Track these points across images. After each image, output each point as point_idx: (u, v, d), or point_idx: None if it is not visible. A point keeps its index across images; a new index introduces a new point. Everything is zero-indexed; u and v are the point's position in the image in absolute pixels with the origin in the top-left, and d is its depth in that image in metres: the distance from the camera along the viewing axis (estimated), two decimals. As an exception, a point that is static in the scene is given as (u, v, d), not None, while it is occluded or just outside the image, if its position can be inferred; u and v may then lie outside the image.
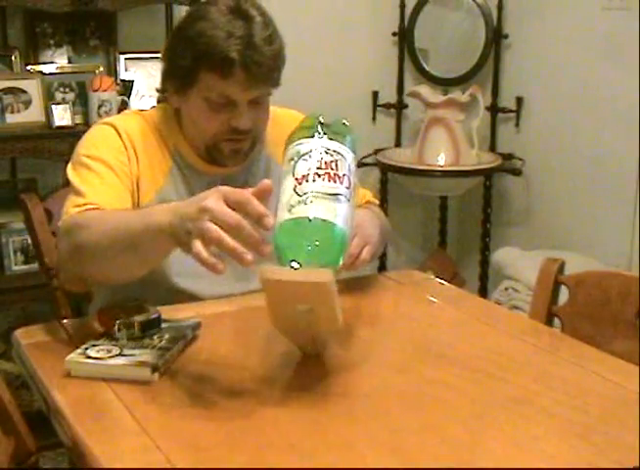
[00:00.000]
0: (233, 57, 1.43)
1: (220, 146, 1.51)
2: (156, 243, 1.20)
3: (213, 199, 1.08)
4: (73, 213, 1.38)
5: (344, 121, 1.28)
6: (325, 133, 1.21)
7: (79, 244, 1.31)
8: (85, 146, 1.53)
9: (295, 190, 1.15)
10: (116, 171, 1.47)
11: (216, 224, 1.06)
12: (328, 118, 1.24)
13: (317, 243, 1.11)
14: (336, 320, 1.15)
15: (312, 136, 1.20)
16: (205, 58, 1.45)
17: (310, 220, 1.12)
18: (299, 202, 1.13)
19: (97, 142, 1.52)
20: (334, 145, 1.21)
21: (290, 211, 1.13)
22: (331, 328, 1.19)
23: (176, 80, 1.53)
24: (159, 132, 1.58)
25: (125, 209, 1.40)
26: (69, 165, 1.52)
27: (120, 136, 1.53)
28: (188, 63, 1.47)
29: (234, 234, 1.06)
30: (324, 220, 1.13)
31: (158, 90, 1.63)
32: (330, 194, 1.15)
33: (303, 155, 1.19)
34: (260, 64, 1.44)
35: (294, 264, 1.08)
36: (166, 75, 1.56)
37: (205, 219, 1.07)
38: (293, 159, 1.18)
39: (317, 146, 1.20)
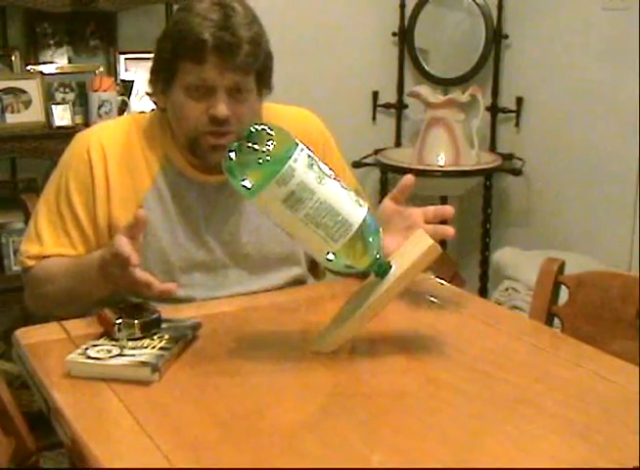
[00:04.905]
0: (205, 38, 1.40)
1: (200, 140, 1.47)
2: (97, 293, 1.47)
3: (113, 263, 1.33)
4: (32, 267, 1.56)
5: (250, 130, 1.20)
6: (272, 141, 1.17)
7: (43, 295, 1.55)
8: (59, 168, 1.59)
9: (343, 188, 1.19)
10: (76, 209, 1.54)
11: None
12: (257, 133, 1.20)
13: None
14: None
15: (293, 145, 1.17)
16: (180, 44, 1.44)
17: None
18: (357, 195, 1.22)
19: (67, 168, 1.57)
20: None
21: (362, 205, 1.20)
22: None
23: (160, 77, 1.51)
24: (149, 138, 1.56)
25: (74, 262, 1.52)
26: (46, 187, 1.59)
27: (90, 154, 1.53)
28: (168, 55, 1.46)
29: None
30: None
31: (147, 94, 1.60)
32: None
33: (313, 157, 1.18)
34: (234, 46, 1.41)
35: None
36: (153, 75, 1.53)
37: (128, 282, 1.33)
38: (312, 164, 1.16)
39: (301, 150, 1.18)
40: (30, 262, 1.56)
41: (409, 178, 1.46)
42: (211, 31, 1.41)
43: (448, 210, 1.45)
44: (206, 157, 1.49)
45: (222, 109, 1.44)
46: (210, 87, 1.44)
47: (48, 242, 1.54)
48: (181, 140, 1.52)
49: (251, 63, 1.45)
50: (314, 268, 1.70)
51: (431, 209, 1.45)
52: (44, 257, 1.55)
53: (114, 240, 1.32)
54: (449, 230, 1.41)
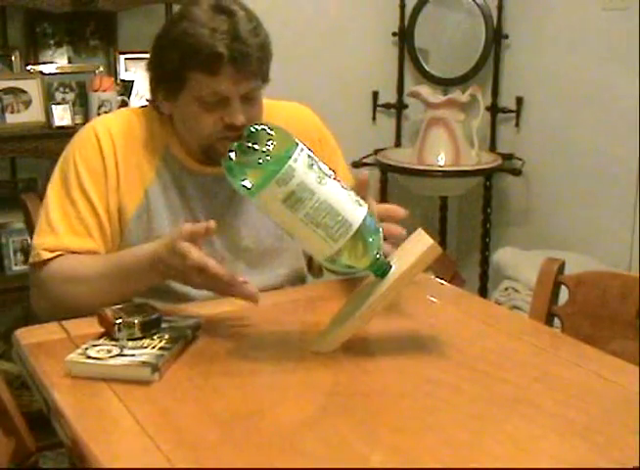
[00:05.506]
0: (221, 51, 1.40)
1: (216, 146, 1.47)
2: (143, 288, 1.43)
3: (195, 274, 1.29)
4: (48, 262, 1.47)
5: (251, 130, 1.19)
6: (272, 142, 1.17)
7: (62, 297, 1.46)
8: (67, 159, 1.55)
9: (343, 188, 1.19)
10: (91, 196, 1.51)
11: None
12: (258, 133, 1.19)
13: None
14: None
15: (293, 145, 1.17)
16: (192, 56, 1.42)
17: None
18: (356, 195, 1.21)
19: (77, 157, 1.54)
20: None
21: (361, 205, 1.20)
22: None
23: (165, 86, 1.50)
24: (149, 130, 1.56)
25: (112, 262, 1.45)
26: (53, 179, 1.55)
27: (100, 142, 1.52)
28: (175, 65, 1.45)
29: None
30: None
31: (148, 100, 1.59)
32: None
33: (313, 158, 1.18)
34: (249, 56, 1.42)
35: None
36: (154, 83, 1.53)
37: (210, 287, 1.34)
38: (312, 164, 1.16)
39: (301, 150, 1.18)
40: (47, 255, 1.48)
41: (363, 175, 1.40)
42: (225, 44, 1.40)
43: (400, 212, 1.39)
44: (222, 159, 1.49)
45: (239, 117, 1.45)
46: (225, 97, 1.44)
47: (62, 232, 1.49)
48: (192, 146, 1.52)
49: (264, 69, 1.48)
50: (310, 265, 1.71)
51: (381, 208, 1.38)
52: (60, 249, 1.48)
53: (185, 250, 1.27)
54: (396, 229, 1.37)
